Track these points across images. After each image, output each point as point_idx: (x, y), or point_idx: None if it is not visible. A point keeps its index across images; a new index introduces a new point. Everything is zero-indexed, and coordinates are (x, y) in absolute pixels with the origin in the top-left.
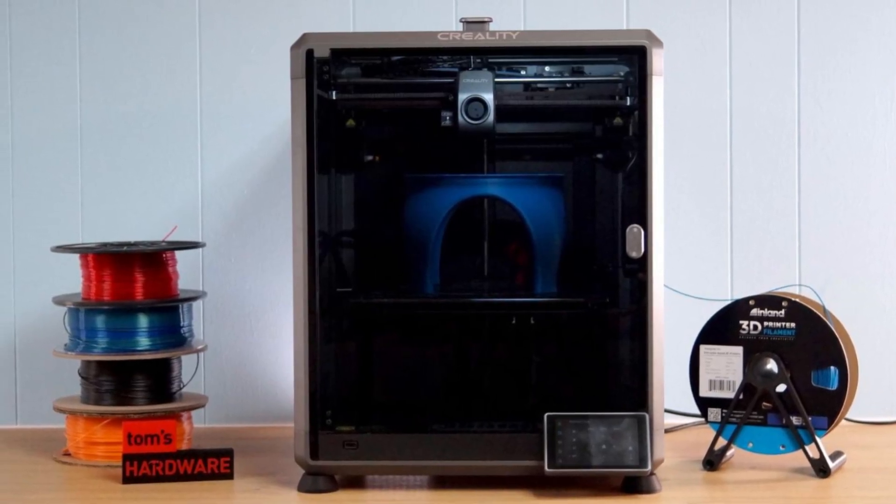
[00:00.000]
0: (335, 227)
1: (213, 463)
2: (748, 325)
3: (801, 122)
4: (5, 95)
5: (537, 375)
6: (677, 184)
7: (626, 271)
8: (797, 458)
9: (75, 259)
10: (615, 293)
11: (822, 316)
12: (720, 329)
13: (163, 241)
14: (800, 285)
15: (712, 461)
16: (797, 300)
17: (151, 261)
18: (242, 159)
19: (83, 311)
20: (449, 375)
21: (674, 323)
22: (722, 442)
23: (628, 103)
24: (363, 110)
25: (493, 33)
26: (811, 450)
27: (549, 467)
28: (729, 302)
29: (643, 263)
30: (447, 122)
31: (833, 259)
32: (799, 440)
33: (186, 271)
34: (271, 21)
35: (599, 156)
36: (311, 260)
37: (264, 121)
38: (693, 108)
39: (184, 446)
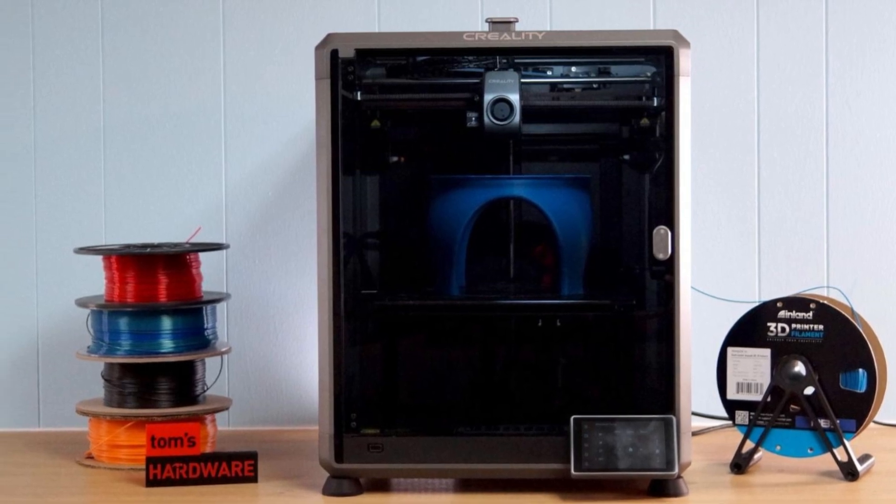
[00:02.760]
0: (360, 228)
1: (237, 466)
2: (776, 328)
3: (829, 123)
4: (28, 96)
5: (563, 378)
6: (704, 185)
7: (652, 273)
8: (825, 462)
9: (98, 261)
10: (642, 295)
11: (850, 318)
12: (748, 331)
13: (186, 243)
14: (828, 287)
15: (740, 464)
16: (825, 302)
17: (175, 262)
18: (267, 160)
19: (106, 313)
20: (474, 378)
21: (701, 325)
22: (749, 445)
23: (655, 104)
24: (388, 111)
25: (519, 33)
26: (839, 453)
27: (575, 470)
28: (756, 304)
29: (670, 265)
30: (473, 123)
31: (861, 260)
32: (827, 443)
33: (210, 273)
34: (295, 21)
35: (626, 157)
36: (336, 262)
37: (288, 122)
38: (720, 109)
39: (207, 449)
